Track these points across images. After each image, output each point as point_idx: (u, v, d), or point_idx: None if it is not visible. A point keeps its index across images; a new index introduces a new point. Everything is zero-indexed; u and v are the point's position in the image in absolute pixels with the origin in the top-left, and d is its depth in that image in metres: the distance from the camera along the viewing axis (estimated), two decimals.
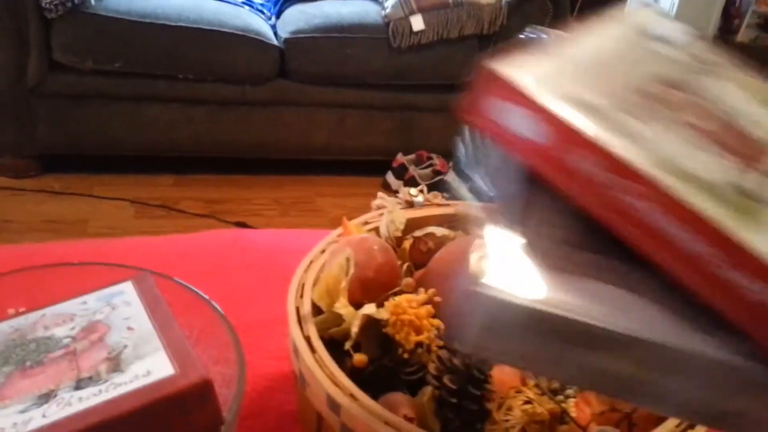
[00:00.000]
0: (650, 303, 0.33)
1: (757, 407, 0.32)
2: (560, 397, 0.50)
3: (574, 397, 0.50)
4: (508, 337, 0.32)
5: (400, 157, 2.24)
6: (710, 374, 0.32)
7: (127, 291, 0.50)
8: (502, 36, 2.19)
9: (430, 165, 2.21)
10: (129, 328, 0.46)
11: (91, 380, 0.41)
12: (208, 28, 1.94)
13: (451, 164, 2.23)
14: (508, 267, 0.33)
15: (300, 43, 2.04)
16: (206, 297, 0.51)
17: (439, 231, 0.61)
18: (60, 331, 0.45)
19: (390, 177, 2.25)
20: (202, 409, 0.42)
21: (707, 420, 0.34)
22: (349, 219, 0.63)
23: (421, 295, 0.51)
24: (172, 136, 2.05)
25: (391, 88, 2.18)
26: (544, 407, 0.47)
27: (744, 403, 0.32)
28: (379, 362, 0.52)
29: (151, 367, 0.42)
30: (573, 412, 0.48)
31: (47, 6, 1.79)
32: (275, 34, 2.10)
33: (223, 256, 0.85)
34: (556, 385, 0.51)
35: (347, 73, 2.10)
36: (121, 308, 0.48)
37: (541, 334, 0.32)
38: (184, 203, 2.02)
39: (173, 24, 1.91)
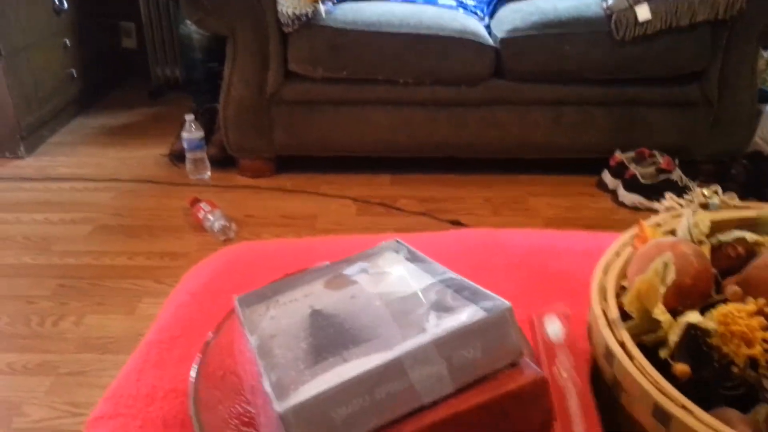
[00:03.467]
0: None
1: None
2: None
3: None
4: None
5: (619, 155, 2.12)
6: None
7: None
8: (739, 22, 1.98)
9: (653, 163, 2.06)
10: None
11: None
12: (426, 33, 2.00)
13: (677, 161, 2.07)
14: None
15: (516, 42, 2.02)
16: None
17: (750, 236, 0.56)
18: None
19: (606, 176, 2.14)
20: (537, 406, 0.42)
21: None
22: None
23: (750, 305, 0.47)
24: (391, 138, 2.15)
25: (610, 82, 2.07)
26: None
27: None
28: (697, 375, 0.49)
29: None
30: None
31: (286, 21, 1.96)
32: (489, 33, 2.10)
33: (478, 255, 0.86)
34: None
35: (565, 70, 2.04)
36: None
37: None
38: (401, 201, 2.10)
39: (395, 32, 1.99)
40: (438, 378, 0.42)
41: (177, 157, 2.31)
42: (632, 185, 2.04)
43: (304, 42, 1.99)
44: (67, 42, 2.63)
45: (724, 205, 0.62)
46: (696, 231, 0.56)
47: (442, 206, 2.09)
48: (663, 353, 0.48)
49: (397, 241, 0.62)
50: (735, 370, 0.46)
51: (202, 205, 1.95)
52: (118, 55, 3.06)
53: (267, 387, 0.42)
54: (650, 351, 0.49)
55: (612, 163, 2.13)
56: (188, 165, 2.23)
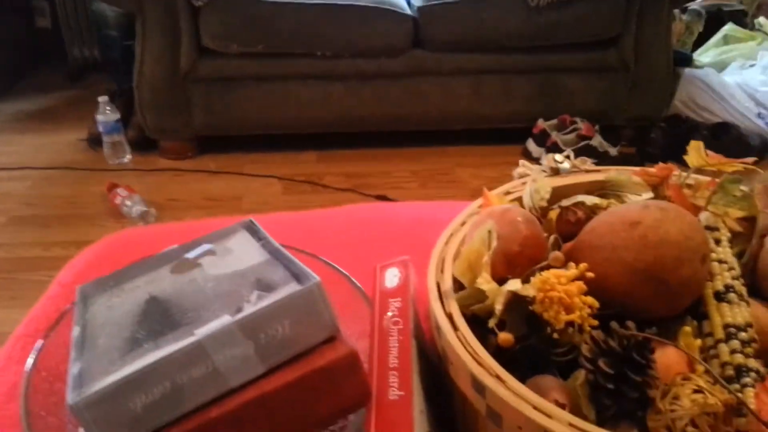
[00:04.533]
0: None
1: None
2: (736, 386, 0.44)
3: (753, 386, 0.44)
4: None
5: (541, 123, 2.14)
6: None
7: None
8: None
9: (575, 129, 2.09)
10: None
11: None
12: (342, 3, 1.96)
13: (597, 127, 2.10)
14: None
15: (434, 10, 2.00)
16: (346, 273, 0.50)
17: (590, 199, 0.56)
18: None
19: (531, 144, 2.17)
20: (350, 381, 0.42)
21: None
22: (490, 189, 0.60)
23: (572, 270, 0.47)
24: (314, 114, 2.11)
25: (529, 50, 2.08)
26: (717, 397, 0.41)
27: None
28: (525, 342, 0.49)
29: None
30: (752, 404, 0.42)
31: None
32: (408, 3, 2.08)
33: (363, 229, 0.86)
34: (730, 372, 0.45)
35: (483, 38, 2.03)
36: None
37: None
38: (327, 178, 2.08)
39: (310, 2, 1.95)
40: (244, 359, 0.41)
41: (95, 141, 2.23)
42: (554, 152, 2.06)
43: (215, 16, 1.93)
44: None
45: (575, 170, 0.62)
46: (537, 197, 0.56)
47: (369, 181, 2.08)
48: (491, 322, 0.48)
49: (250, 220, 0.60)
50: (555, 336, 0.46)
51: (119, 191, 1.89)
52: (32, 36, 2.92)
53: (68, 379, 0.40)
54: (485, 322, 0.49)
55: (535, 131, 2.15)
56: (106, 149, 2.15)
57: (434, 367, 0.53)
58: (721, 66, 2.44)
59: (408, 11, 2.02)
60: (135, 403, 0.39)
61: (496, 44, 2.05)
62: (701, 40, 2.62)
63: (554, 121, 2.13)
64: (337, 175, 2.11)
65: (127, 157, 2.17)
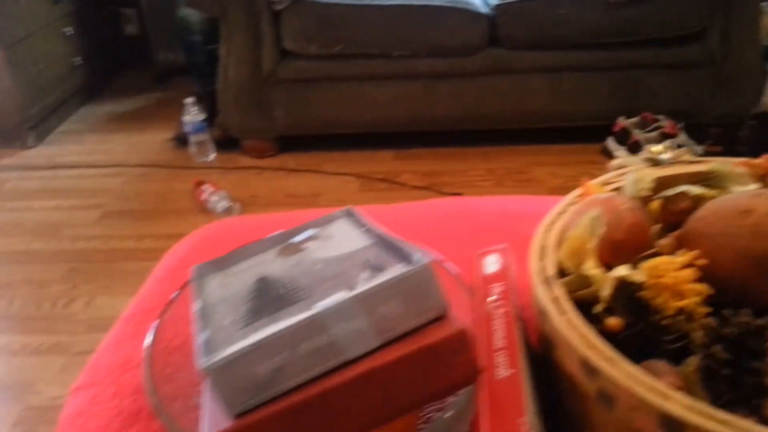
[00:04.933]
0: None
1: None
2: None
3: None
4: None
5: (622, 121, 2.09)
6: None
7: None
8: None
9: (657, 128, 2.03)
10: None
11: None
12: (418, 3, 1.98)
13: (681, 125, 2.03)
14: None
15: (510, 8, 2.00)
16: (440, 260, 0.52)
17: (694, 189, 0.55)
18: None
19: (610, 143, 2.12)
20: (460, 358, 0.43)
21: None
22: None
23: (682, 257, 0.47)
24: (390, 113, 2.14)
25: (608, 46, 2.04)
26: None
27: None
28: (633, 329, 0.49)
29: None
30: None
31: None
32: (486, 1, 2.08)
33: (450, 222, 0.87)
34: None
35: (560, 35, 2.01)
36: None
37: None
38: (403, 176, 2.11)
39: (385, 4, 1.98)
40: (360, 333, 0.43)
41: (182, 140, 2.34)
42: (636, 151, 2.01)
43: (294, 18, 1.99)
44: (69, 31, 2.66)
45: (676, 161, 0.61)
46: (638, 186, 0.56)
47: (445, 180, 2.09)
48: (597, 308, 0.48)
49: (349, 208, 0.63)
50: (666, 323, 0.46)
51: (205, 187, 1.97)
52: (120, 42, 3.08)
53: (197, 346, 0.44)
54: (590, 309, 0.50)
55: (615, 129, 2.10)
56: (192, 148, 2.25)
57: (535, 356, 0.54)
58: None
59: (482, 10, 2.02)
60: (259, 369, 0.41)
61: (573, 41, 2.02)
62: None
63: (636, 119, 2.08)
64: (413, 173, 2.13)
65: (212, 156, 2.26)
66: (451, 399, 0.47)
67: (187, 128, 2.22)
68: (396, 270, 0.44)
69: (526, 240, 0.55)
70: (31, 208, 2.06)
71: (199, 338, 0.44)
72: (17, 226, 1.97)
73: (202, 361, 0.41)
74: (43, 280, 1.72)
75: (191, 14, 2.37)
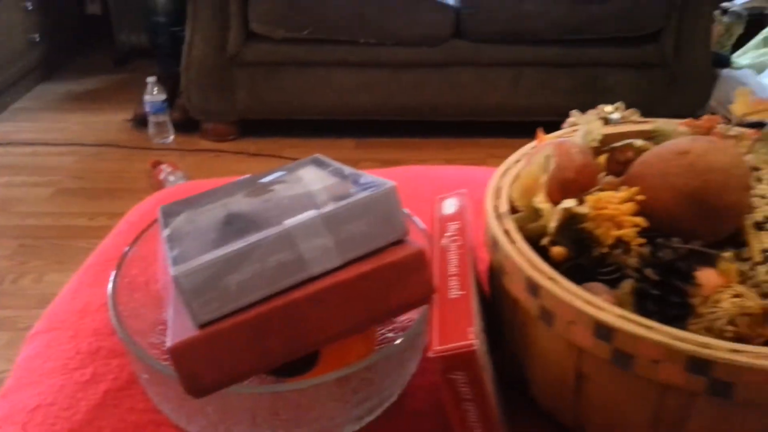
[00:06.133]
0: None
1: None
2: None
3: None
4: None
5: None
6: None
7: None
8: None
9: None
10: None
11: None
12: None
13: None
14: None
15: (476, 1, 2.05)
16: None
17: (638, 142, 0.59)
18: None
19: None
20: (417, 277, 0.46)
21: None
22: None
23: (623, 192, 0.51)
24: (353, 100, 2.17)
25: (570, 43, 2.11)
26: (755, 302, 0.44)
27: None
28: (575, 261, 0.53)
29: None
30: None
31: None
32: None
33: (411, 183, 0.90)
34: (767, 290, 0.48)
35: (524, 30, 2.07)
36: None
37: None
38: (363, 164, 2.13)
39: None
40: (325, 250, 0.45)
41: (140, 121, 2.32)
42: None
43: (264, 1, 1.99)
44: (29, 5, 2.60)
45: (625, 120, 0.66)
46: (588, 138, 0.60)
47: None
48: (544, 240, 0.52)
49: (317, 155, 0.65)
50: (603, 250, 0.50)
51: (164, 166, 1.96)
52: (82, 21, 3.03)
53: (167, 259, 0.45)
54: (537, 243, 0.53)
55: None
56: (151, 128, 2.23)
57: (484, 297, 0.57)
58: (760, 68, 2.43)
59: (450, 1, 2.07)
60: (228, 280, 0.43)
61: (536, 36, 2.08)
62: (741, 43, 2.62)
63: None
64: (372, 161, 2.16)
65: (171, 138, 2.25)
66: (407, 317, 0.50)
67: (147, 107, 2.20)
68: (362, 194, 0.47)
69: (484, 197, 0.59)
70: None
71: (170, 254, 0.46)
72: None
73: (172, 270, 0.43)
74: None
75: None
